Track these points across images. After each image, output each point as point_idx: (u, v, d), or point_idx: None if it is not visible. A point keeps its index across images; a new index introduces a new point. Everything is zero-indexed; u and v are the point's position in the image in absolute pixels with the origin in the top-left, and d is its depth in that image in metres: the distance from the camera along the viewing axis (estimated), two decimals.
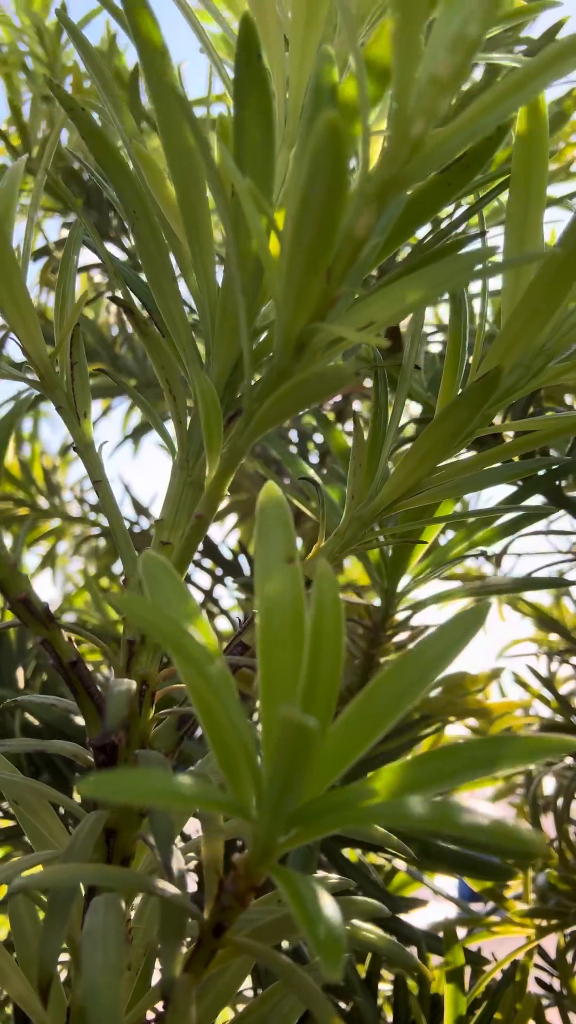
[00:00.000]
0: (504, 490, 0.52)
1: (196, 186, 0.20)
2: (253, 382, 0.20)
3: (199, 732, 0.54)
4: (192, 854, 0.27)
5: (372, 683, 0.16)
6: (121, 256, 0.81)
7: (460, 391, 0.25)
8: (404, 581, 0.48)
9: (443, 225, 0.23)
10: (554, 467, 0.48)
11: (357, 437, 0.26)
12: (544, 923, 0.58)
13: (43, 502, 0.88)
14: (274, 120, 0.19)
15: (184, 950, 0.21)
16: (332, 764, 0.16)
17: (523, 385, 0.25)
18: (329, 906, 0.14)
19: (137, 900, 0.28)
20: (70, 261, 0.25)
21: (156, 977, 0.28)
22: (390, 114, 0.16)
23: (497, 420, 0.39)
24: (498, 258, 0.23)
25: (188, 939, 0.22)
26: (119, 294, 0.24)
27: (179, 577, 0.17)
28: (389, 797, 0.16)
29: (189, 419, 0.24)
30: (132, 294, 0.24)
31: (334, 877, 0.26)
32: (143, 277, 0.24)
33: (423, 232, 0.31)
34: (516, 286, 0.25)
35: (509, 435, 0.48)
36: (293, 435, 0.79)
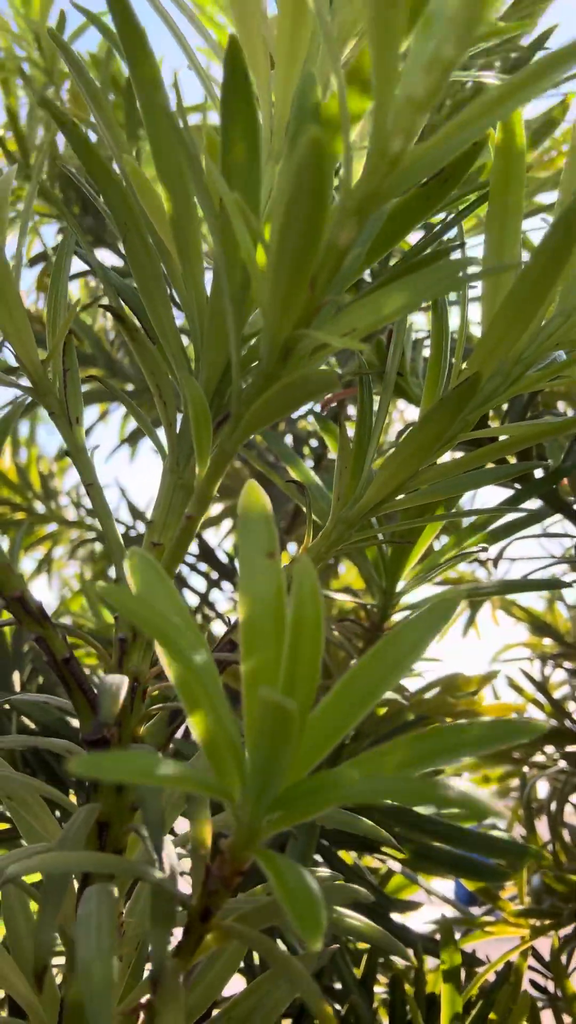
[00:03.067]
0: (501, 495, 0.53)
1: (185, 199, 0.21)
2: (241, 388, 0.21)
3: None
4: (183, 848, 0.27)
5: (351, 670, 0.17)
6: (117, 261, 0.82)
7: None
8: (402, 583, 0.48)
9: (423, 238, 0.24)
10: (551, 472, 0.49)
11: (342, 440, 0.26)
12: (538, 923, 0.58)
13: (40, 506, 0.89)
14: (259, 136, 0.20)
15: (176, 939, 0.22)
16: (313, 748, 0.17)
17: (502, 392, 0.26)
18: (310, 881, 0.15)
19: (130, 895, 0.29)
20: (62, 268, 0.26)
21: (147, 969, 0.28)
22: (370, 132, 0.17)
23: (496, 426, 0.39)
24: (476, 271, 0.24)
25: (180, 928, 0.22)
26: (110, 302, 0.25)
27: (164, 572, 0.18)
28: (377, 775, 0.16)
29: (179, 424, 0.25)
30: (123, 302, 0.25)
31: (324, 870, 0.27)
32: (134, 285, 0.25)
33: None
34: (494, 297, 0.26)
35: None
36: (288, 440, 0.80)
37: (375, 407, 0.28)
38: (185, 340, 0.25)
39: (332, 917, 0.24)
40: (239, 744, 0.16)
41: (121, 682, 0.23)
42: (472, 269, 0.18)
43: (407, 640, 0.16)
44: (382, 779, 0.15)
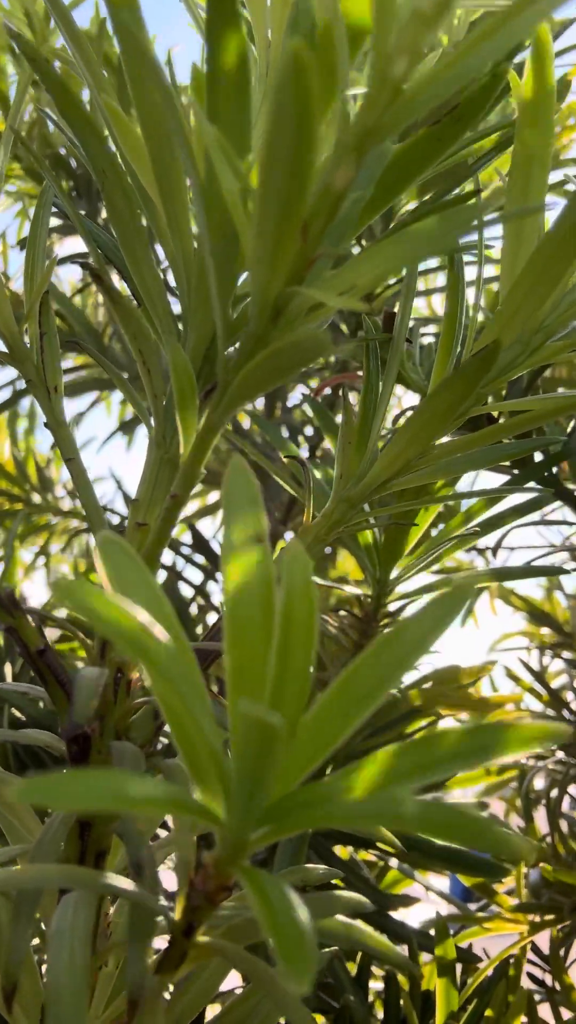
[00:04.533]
0: (496, 483, 0.51)
1: (169, 142, 0.19)
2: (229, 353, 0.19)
3: None
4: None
5: (347, 670, 0.15)
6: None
7: (455, 368, 0.24)
8: (396, 571, 0.47)
9: (438, 190, 0.22)
10: (550, 455, 0.47)
11: (346, 415, 0.24)
12: (537, 919, 0.57)
13: (36, 498, 0.88)
14: (250, 68, 0.18)
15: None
16: (305, 758, 0.15)
17: (521, 362, 0.24)
18: (299, 909, 0.13)
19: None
20: (40, 223, 0.24)
21: None
22: (369, 54, 0.15)
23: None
24: (495, 237, 0.22)
25: (166, 937, 0.21)
26: (92, 260, 0.23)
27: (140, 560, 0.16)
28: (367, 791, 0.14)
29: (166, 393, 0.23)
30: (106, 262, 0.23)
31: (322, 868, 0.25)
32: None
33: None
34: (516, 259, 0.23)
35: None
36: (283, 430, 0.78)
37: (381, 377, 0.26)
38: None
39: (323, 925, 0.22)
40: (222, 755, 0.14)
41: (99, 676, 0.21)
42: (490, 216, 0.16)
43: (411, 636, 0.14)
44: (381, 800, 0.13)
